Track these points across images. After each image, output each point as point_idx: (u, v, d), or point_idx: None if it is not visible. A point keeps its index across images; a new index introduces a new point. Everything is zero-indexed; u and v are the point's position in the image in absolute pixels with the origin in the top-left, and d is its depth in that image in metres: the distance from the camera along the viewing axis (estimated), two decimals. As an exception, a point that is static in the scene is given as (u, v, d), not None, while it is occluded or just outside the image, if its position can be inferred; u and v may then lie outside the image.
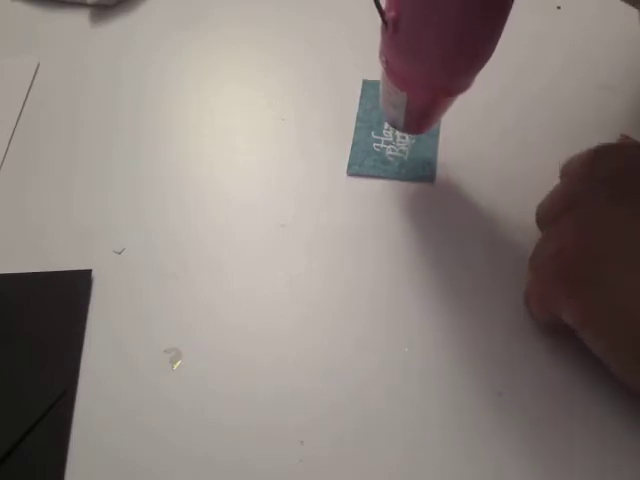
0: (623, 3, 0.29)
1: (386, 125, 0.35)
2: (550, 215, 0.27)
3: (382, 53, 0.26)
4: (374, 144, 0.35)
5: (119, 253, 0.33)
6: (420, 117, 0.29)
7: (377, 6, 0.23)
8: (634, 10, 0.37)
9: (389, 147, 0.35)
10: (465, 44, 0.23)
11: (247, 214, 0.34)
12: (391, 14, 0.23)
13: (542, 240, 0.27)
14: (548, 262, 0.26)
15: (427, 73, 0.25)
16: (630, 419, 0.26)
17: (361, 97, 0.37)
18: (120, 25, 0.43)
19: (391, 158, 0.34)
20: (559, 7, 0.38)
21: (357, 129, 0.35)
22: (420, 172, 0.34)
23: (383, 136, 0.35)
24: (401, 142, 0.35)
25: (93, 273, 0.33)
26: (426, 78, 0.25)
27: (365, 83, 0.37)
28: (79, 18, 0.44)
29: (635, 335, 0.22)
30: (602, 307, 0.23)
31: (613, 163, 0.26)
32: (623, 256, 0.23)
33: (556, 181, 0.28)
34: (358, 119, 0.36)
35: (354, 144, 0.35)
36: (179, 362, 0.30)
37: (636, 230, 0.23)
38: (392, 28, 0.23)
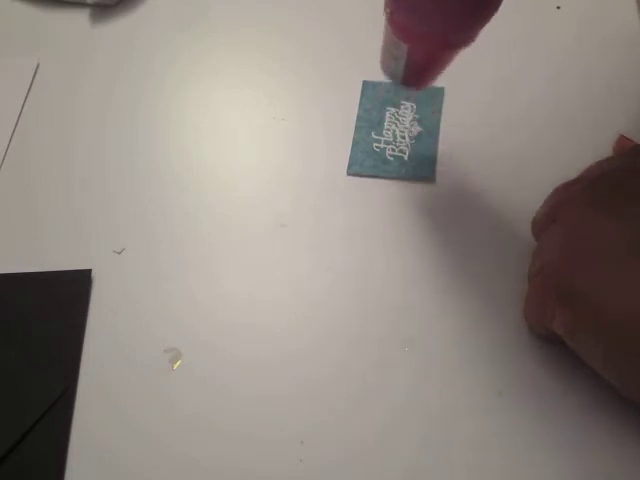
0: (622, 3, 0.29)
1: (386, 125, 0.35)
2: (539, 228, 0.28)
3: (386, 4, 0.26)
4: (374, 144, 0.35)
5: (119, 253, 0.33)
6: (420, 70, 0.28)
7: None
8: (634, 9, 0.37)
9: (389, 147, 0.35)
10: None
11: (247, 214, 0.34)
12: None
13: (533, 253, 0.27)
14: (537, 275, 0.26)
15: (428, 25, 0.25)
16: (628, 424, 0.26)
17: (361, 97, 0.37)
18: (120, 25, 0.43)
19: (391, 158, 0.34)
20: (559, 7, 0.38)
21: (357, 129, 0.35)
22: (420, 171, 0.34)
23: (383, 136, 0.35)
24: (401, 142, 0.35)
25: (93, 273, 0.33)
26: (427, 30, 0.25)
27: (365, 83, 0.37)
28: (79, 18, 0.44)
29: (624, 334, 0.22)
30: (589, 313, 0.23)
31: (591, 172, 0.26)
32: (604, 258, 0.23)
33: (556, 181, 0.28)
34: (358, 119, 0.36)
35: (354, 144, 0.35)
36: (179, 362, 0.30)
37: (614, 230, 0.23)
38: None
